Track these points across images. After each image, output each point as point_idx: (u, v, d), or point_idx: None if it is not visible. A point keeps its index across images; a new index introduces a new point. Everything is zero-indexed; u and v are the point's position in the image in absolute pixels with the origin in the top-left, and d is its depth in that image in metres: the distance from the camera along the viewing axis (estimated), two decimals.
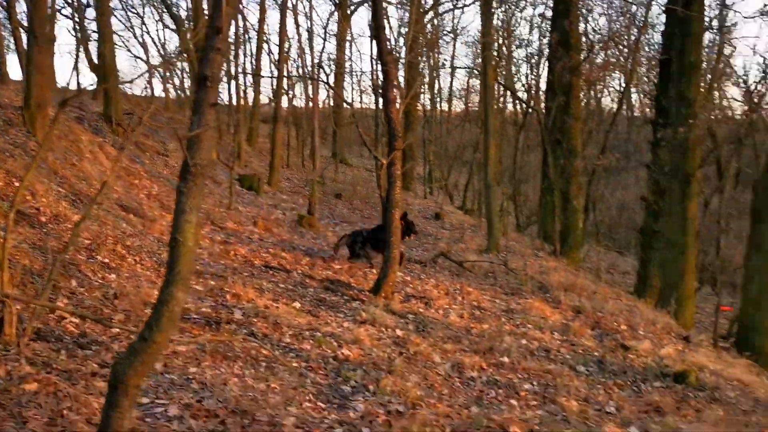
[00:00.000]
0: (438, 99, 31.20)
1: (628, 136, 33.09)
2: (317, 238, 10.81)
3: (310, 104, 23.56)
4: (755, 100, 18.26)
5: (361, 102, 34.88)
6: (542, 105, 18.64)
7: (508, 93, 24.31)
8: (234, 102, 20.25)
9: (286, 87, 24.01)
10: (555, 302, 9.15)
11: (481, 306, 8.48)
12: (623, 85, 22.30)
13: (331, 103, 27.57)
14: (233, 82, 20.27)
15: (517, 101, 23.14)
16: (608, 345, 7.44)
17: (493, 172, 13.19)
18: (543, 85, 20.84)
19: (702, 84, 19.65)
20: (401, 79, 27.08)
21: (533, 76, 24.24)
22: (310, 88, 23.61)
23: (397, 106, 8.42)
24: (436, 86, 30.07)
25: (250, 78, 22.58)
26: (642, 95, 26.67)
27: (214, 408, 4.03)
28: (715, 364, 7.34)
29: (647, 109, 26.47)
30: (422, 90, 27.81)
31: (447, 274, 10.21)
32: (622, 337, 7.93)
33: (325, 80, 19.80)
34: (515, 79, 25.01)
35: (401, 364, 5.61)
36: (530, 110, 19.56)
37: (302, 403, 4.50)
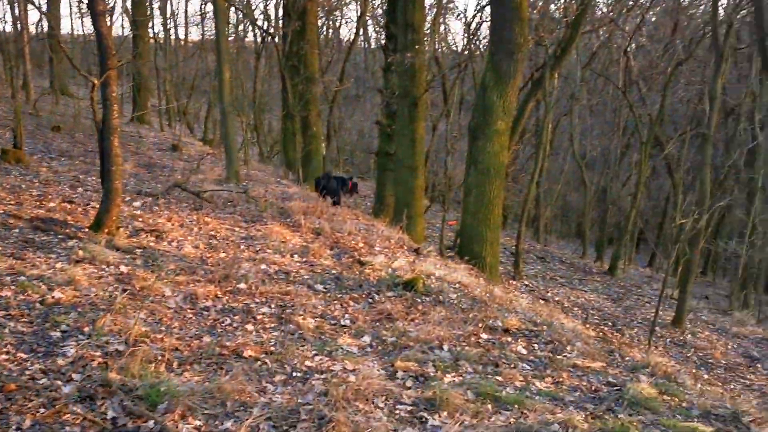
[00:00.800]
0: (171, 25, 29.15)
1: (366, 66, 34.33)
2: (27, 175, 9.42)
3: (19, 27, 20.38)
4: (473, 32, 19.86)
5: (82, 26, 31.23)
6: (281, 32, 18.28)
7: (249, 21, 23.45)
8: None
9: None
10: (295, 226, 9.14)
11: (219, 235, 8.13)
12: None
13: (45, 27, 24.21)
14: None
15: (256, 28, 22.39)
16: (346, 262, 7.62)
17: (229, 98, 12.61)
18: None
19: (428, 18, 20.84)
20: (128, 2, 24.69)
21: (273, 3, 23.65)
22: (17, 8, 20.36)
23: (108, 20, 7.44)
24: (169, 10, 28.00)
25: None
26: (377, 24, 27.59)
27: None
28: (440, 271, 7.92)
29: (383, 40, 27.48)
30: (151, 14, 25.67)
31: (184, 206, 9.61)
32: (359, 254, 8.18)
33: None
34: (254, 6, 24.22)
35: (124, 301, 5.09)
36: (268, 36, 19.04)
37: None
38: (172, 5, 30.03)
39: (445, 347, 5.12)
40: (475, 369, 4.78)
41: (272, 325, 5.29)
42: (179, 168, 13.76)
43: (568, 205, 27.15)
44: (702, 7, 21.84)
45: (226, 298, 5.79)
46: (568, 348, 5.67)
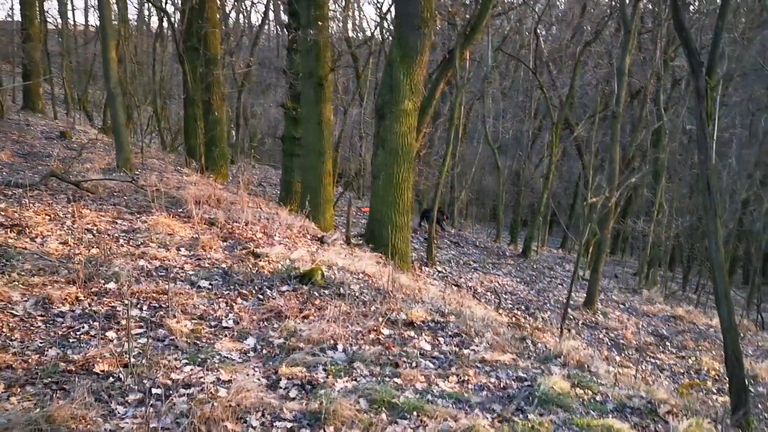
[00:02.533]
0: (70, 10, 27.29)
1: (278, 52, 33.34)
2: None
3: None
4: (384, 14, 19.37)
5: None
6: (179, 10, 17.15)
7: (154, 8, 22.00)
8: None
9: None
10: (187, 217, 8.35)
11: (96, 229, 7.25)
12: None
13: None
14: None
15: (153, 7, 21.03)
16: (239, 255, 6.93)
17: (116, 80, 11.55)
18: None
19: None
20: None
21: None
22: None
23: None
24: None
25: None
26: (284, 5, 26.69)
27: None
28: (344, 260, 7.37)
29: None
30: None
31: (61, 197, 8.62)
32: (256, 245, 7.49)
33: None
34: None
35: None
36: (164, 15, 17.83)
37: None
38: None
39: (340, 347, 4.56)
40: (372, 371, 4.24)
41: (140, 330, 4.57)
42: (64, 157, 12.59)
43: (483, 189, 27.20)
44: None
45: (89, 300, 5.00)
46: (476, 340, 5.22)
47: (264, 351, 4.47)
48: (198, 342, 4.48)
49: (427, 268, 11.19)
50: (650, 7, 19.13)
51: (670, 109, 17.72)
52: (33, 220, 7.11)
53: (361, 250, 9.19)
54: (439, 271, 11.42)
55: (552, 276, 13.56)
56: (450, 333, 5.28)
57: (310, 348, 4.48)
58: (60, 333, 4.37)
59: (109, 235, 7.07)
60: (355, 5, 27.35)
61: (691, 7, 18.76)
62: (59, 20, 25.38)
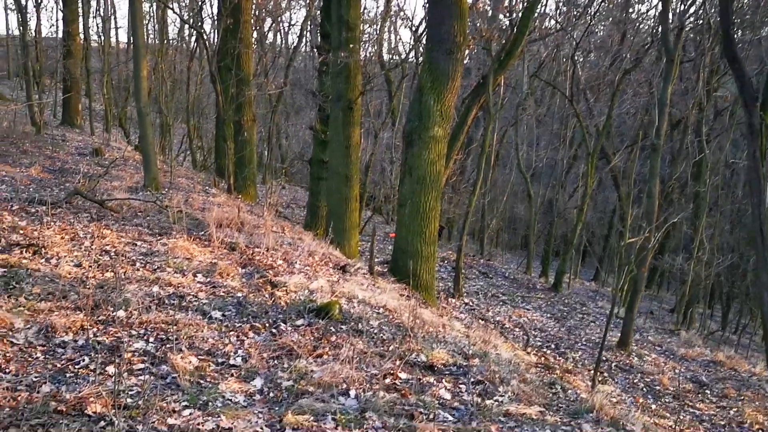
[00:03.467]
0: (113, 27, 27.94)
1: (312, 74, 33.52)
2: None
3: None
4: (419, 36, 19.24)
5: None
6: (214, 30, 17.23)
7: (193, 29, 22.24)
8: None
9: None
10: (208, 240, 8.15)
11: (115, 251, 7.09)
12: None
13: None
14: None
15: (190, 28, 21.22)
16: (255, 283, 6.67)
17: (146, 99, 11.54)
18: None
19: (373, 22, 20.16)
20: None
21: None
22: None
23: None
24: (109, 11, 26.72)
25: None
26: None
27: None
28: (365, 292, 7.06)
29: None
30: (87, 11, 24.31)
31: (84, 216, 8.53)
32: (275, 273, 7.23)
33: None
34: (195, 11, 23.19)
35: None
36: (199, 35, 17.92)
37: None
38: (108, 9, 28.37)
39: (352, 393, 4.24)
40: (385, 423, 3.91)
41: (142, 365, 4.32)
42: (93, 174, 12.59)
43: (515, 217, 26.73)
44: (650, 22, 21.72)
45: (95, 329, 4.78)
46: (501, 389, 4.85)
47: (271, 394, 4.18)
48: (202, 381, 4.21)
49: (453, 300, 10.82)
50: (692, 35, 18.62)
51: (713, 141, 17.14)
52: (51, 239, 6.98)
53: (385, 280, 8.89)
54: (466, 303, 11.04)
55: (584, 312, 13.05)
56: (473, 379, 4.92)
57: (320, 393, 4.17)
58: (58, 366, 4.14)
59: (126, 257, 6.89)
60: (392, 28, 27.41)
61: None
62: (102, 37, 25.87)
